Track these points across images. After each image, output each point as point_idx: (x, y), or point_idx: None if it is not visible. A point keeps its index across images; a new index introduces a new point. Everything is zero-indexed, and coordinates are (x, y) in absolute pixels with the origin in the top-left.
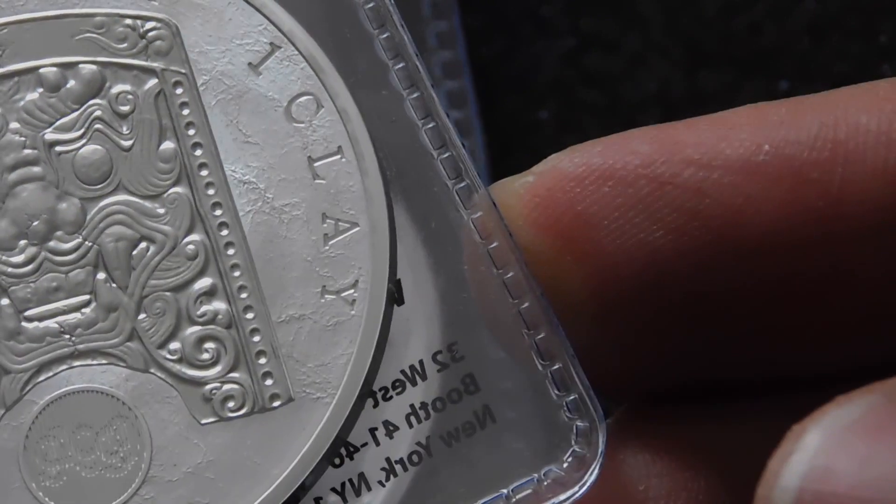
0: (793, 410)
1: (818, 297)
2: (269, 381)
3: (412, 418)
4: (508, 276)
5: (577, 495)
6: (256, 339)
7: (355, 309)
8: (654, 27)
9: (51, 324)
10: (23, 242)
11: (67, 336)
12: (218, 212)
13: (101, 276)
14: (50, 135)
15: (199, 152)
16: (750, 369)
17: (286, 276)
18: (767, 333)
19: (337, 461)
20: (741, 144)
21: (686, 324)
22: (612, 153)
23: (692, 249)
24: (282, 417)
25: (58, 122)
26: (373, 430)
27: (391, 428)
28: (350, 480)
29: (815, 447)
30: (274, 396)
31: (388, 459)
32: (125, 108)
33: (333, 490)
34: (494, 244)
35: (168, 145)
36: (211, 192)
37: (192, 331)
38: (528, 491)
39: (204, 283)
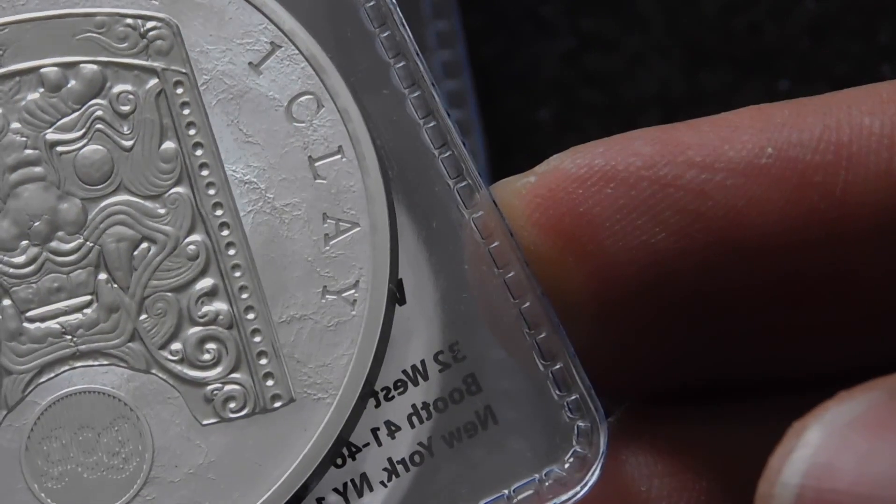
0: (795, 410)
1: (820, 299)
2: (270, 382)
3: (414, 418)
4: (510, 275)
5: (578, 496)
6: (258, 339)
7: (356, 309)
8: (654, 27)
9: (52, 324)
10: (24, 243)
11: (69, 337)
12: (219, 212)
13: (103, 276)
14: (51, 135)
15: (199, 152)
16: (751, 369)
17: (287, 276)
18: (769, 334)
19: (339, 461)
20: (744, 146)
21: (688, 324)
22: (614, 154)
23: (694, 251)
24: (283, 418)
25: (59, 122)
26: (374, 431)
27: (393, 428)
28: (352, 480)
29: (817, 444)
30: (275, 397)
31: (389, 459)
32: (126, 108)
33: (335, 490)
34: (496, 244)
35: (169, 145)
36: (212, 192)
37: (194, 331)
38: (530, 491)
39: (205, 283)
